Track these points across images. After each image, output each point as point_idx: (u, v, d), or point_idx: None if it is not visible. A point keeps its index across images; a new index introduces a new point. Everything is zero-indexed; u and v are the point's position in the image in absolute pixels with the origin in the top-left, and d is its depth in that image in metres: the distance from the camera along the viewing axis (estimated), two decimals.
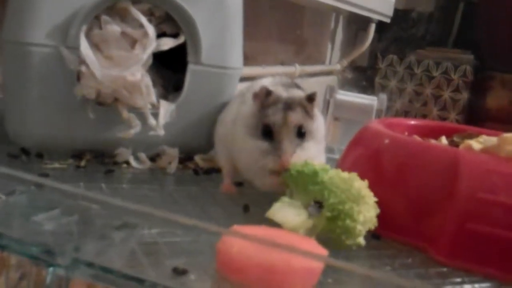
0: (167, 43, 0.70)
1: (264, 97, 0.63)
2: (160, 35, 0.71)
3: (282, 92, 0.65)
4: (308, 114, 0.64)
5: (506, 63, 1.80)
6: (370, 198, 0.55)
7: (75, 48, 0.65)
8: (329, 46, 1.72)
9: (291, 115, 0.62)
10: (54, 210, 0.52)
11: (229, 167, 0.71)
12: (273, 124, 0.62)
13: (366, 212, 0.54)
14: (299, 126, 0.62)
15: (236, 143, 0.66)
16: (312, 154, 0.63)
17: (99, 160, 0.72)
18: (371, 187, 0.57)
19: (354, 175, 0.56)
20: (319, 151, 0.67)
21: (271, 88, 0.64)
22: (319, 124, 0.66)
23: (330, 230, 0.54)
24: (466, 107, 1.79)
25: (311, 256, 0.45)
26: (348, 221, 0.53)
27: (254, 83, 0.72)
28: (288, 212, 0.54)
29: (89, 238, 0.49)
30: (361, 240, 0.54)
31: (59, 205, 0.53)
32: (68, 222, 0.51)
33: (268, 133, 0.62)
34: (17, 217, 0.52)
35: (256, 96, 0.64)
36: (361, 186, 0.55)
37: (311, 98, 0.65)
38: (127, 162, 0.73)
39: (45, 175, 0.63)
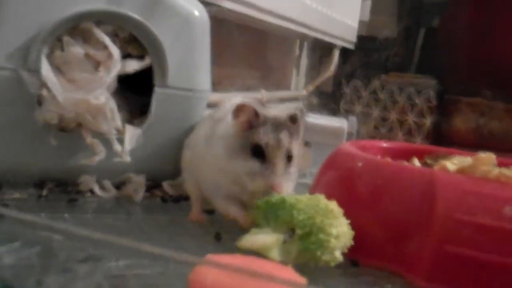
0: (133, 65, 0.68)
1: (253, 117, 0.60)
2: (125, 57, 0.69)
3: (265, 112, 0.62)
4: (293, 136, 0.62)
5: (468, 87, 1.83)
6: (340, 214, 0.55)
7: (36, 71, 0.63)
8: (294, 72, 1.73)
9: (283, 138, 0.60)
10: (14, 243, 0.49)
11: (198, 194, 0.68)
12: (266, 144, 0.59)
13: (338, 227, 0.54)
14: (288, 150, 0.60)
15: (208, 166, 0.63)
16: (294, 182, 0.62)
17: (62, 189, 0.70)
18: (347, 211, 0.56)
19: (320, 195, 0.56)
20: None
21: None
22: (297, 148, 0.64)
23: (305, 249, 0.53)
24: (430, 131, 1.81)
25: (289, 285, 0.43)
26: (321, 235, 0.52)
27: (223, 105, 0.70)
28: (259, 237, 0.53)
29: (52, 271, 0.47)
30: (338, 255, 0.53)
31: (20, 237, 0.50)
32: (29, 255, 0.48)
33: (258, 153, 0.59)
34: None
35: (238, 114, 0.61)
36: (328, 202, 0.55)
37: (294, 119, 0.62)
38: (91, 191, 0.70)
39: (5, 206, 0.60)
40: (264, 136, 0.59)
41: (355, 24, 1.76)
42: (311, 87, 1.75)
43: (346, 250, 0.55)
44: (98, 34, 0.66)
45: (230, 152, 0.60)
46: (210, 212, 0.69)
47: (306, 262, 0.53)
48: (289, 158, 0.60)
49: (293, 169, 0.61)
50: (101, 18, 0.67)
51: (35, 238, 0.51)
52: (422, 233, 0.56)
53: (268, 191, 0.57)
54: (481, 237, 0.54)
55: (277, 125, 0.60)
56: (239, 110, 0.60)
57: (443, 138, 1.80)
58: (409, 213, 0.58)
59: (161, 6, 0.70)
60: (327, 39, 1.58)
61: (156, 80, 0.71)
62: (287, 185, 0.59)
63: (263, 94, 1.41)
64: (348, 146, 0.71)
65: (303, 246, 0.53)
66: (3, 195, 0.64)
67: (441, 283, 0.54)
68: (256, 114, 0.60)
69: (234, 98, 0.71)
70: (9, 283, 0.42)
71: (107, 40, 0.66)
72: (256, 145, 0.59)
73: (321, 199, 0.56)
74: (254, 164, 0.58)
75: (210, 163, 0.63)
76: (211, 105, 0.77)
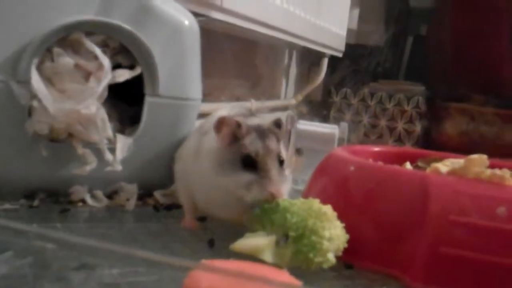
0: (123, 75, 0.68)
1: (236, 128, 0.59)
2: (115, 67, 0.69)
3: (248, 121, 0.62)
4: (279, 141, 0.61)
5: (457, 93, 1.84)
6: (333, 217, 0.55)
7: (26, 82, 0.63)
8: (284, 81, 1.73)
9: (271, 143, 0.59)
10: (6, 253, 0.49)
11: (190, 202, 0.67)
12: (256, 153, 0.58)
13: (331, 229, 0.54)
14: (278, 154, 0.59)
15: (200, 180, 0.63)
16: (289, 184, 0.61)
17: (53, 199, 0.69)
18: (341, 215, 0.57)
19: (314, 199, 0.56)
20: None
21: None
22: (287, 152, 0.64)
23: (298, 251, 0.53)
24: (420, 137, 1.81)
25: (285, 287, 0.43)
26: (313, 237, 0.53)
27: (210, 117, 0.70)
28: (251, 240, 0.54)
29: (45, 281, 0.46)
30: (331, 257, 0.53)
31: (12, 247, 0.49)
32: (22, 265, 0.48)
33: (249, 164, 0.58)
34: None
35: (219, 128, 0.60)
36: (321, 205, 0.55)
37: (278, 124, 0.62)
38: (83, 201, 0.70)
39: None
40: (252, 146, 0.58)
41: (343, 33, 1.76)
42: (300, 96, 1.75)
43: (340, 253, 0.55)
44: (88, 45, 0.66)
45: (218, 167, 0.59)
46: (203, 219, 0.68)
47: (299, 264, 0.53)
48: (281, 162, 0.59)
49: (287, 171, 0.61)
50: (91, 29, 0.67)
51: (28, 248, 0.50)
52: (416, 235, 0.56)
53: (268, 199, 0.56)
54: (475, 238, 0.54)
55: (262, 132, 0.60)
56: (221, 123, 0.59)
57: (433, 143, 1.81)
58: (402, 216, 0.58)
59: (151, 15, 0.70)
60: (315, 48, 1.59)
61: (147, 89, 0.71)
62: (284, 190, 0.59)
63: (252, 104, 1.42)
64: (340, 151, 0.71)
65: (296, 249, 0.53)
66: None
67: (436, 284, 0.54)
68: (239, 125, 0.59)
69: (221, 111, 0.70)
70: None
71: (97, 51, 0.66)
72: (246, 156, 0.58)
73: (314, 202, 0.56)
74: (247, 176, 0.57)
75: (199, 176, 0.63)
76: (202, 116, 0.76)
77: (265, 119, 0.65)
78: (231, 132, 0.59)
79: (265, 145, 0.58)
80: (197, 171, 0.63)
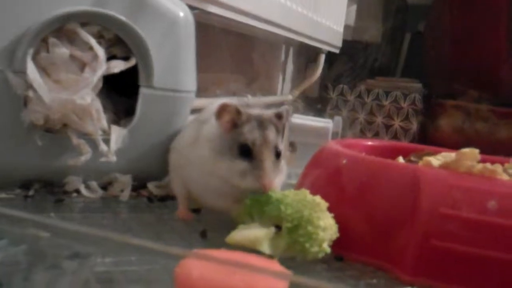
0: (118, 66, 0.68)
1: (236, 115, 0.60)
2: (110, 58, 0.69)
3: (248, 110, 0.62)
4: (279, 132, 0.62)
5: (453, 90, 1.84)
6: (325, 206, 0.56)
7: (22, 72, 0.63)
8: (280, 77, 1.73)
9: (269, 134, 0.60)
10: (1, 241, 0.49)
11: (184, 194, 0.68)
12: (252, 143, 0.58)
13: (325, 219, 0.55)
14: (275, 146, 0.60)
15: (197, 168, 0.63)
16: (283, 175, 0.62)
17: (48, 189, 0.69)
18: (332, 207, 0.57)
19: (305, 190, 0.57)
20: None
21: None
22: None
23: (294, 241, 0.53)
24: (416, 134, 1.82)
25: (274, 275, 0.43)
26: (309, 228, 0.53)
27: (210, 106, 0.70)
28: (248, 232, 0.54)
29: (39, 268, 0.47)
30: (326, 247, 0.54)
31: (6, 235, 0.50)
32: (16, 252, 0.48)
33: (245, 152, 0.59)
34: None
35: (220, 115, 0.60)
36: (314, 196, 0.56)
37: (279, 115, 0.62)
38: (78, 191, 0.70)
39: None
40: (250, 134, 0.59)
41: (340, 29, 1.77)
42: (297, 92, 1.75)
43: (331, 243, 0.55)
44: (83, 35, 0.66)
45: (216, 153, 0.60)
46: (196, 210, 0.69)
47: (295, 255, 0.54)
48: (277, 154, 0.60)
49: (282, 163, 0.61)
50: (86, 19, 0.67)
51: (22, 237, 0.51)
52: (407, 228, 0.56)
53: (260, 189, 0.57)
54: (466, 231, 0.54)
55: (262, 122, 0.60)
56: (221, 110, 0.60)
57: (429, 141, 1.81)
58: (394, 209, 0.58)
59: (146, 7, 0.70)
60: (312, 43, 1.59)
61: (142, 81, 0.71)
62: (278, 182, 0.60)
63: (249, 99, 1.42)
64: (333, 144, 0.72)
65: (291, 239, 0.54)
66: None
67: (426, 277, 0.55)
68: (239, 112, 0.60)
69: (220, 100, 0.71)
70: None
71: (92, 41, 0.66)
72: (242, 144, 0.59)
73: (307, 193, 0.57)
74: (242, 164, 0.58)
75: (197, 164, 0.63)
76: (197, 111, 0.77)
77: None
78: (232, 119, 0.60)
79: (263, 135, 0.59)
80: (195, 159, 0.63)
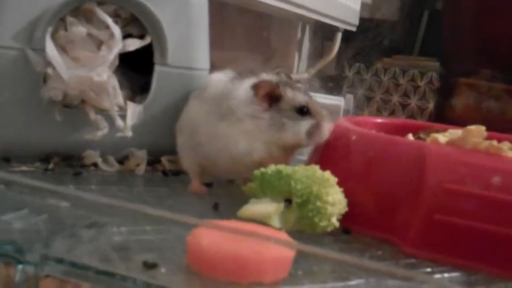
0: (133, 44, 0.70)
1: (275, 88, 0.64)
2: (126, 36, 0.70)
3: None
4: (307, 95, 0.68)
5: (471, 69, 1.83)
6: (334, 182, 0.58)
7: (41, 50, 0.65)
8: (296, 55, 1.73)
9: (306, 93, 0.67)
10: (22, 210, 0.51)
11: (197, 169, 0.70)
12: (307, 102, 0.65)
13: (334, 194, 0.56)
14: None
15: (225, 141, 0.66)
16: None
17: (67, 163, 0.71)
18: (342, 182, 0.58)
19: (315, 166, 0.59)
20: None
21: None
22: None
23: (303, 216, 0.55)
24: (433, 114, 1.81)
25: (281, 244, 0.45)
26: (318, 203, 0.55)
27: (208, 86, 0.71)
28: (259, 206, 0.56)
29: (58, 236, 0.48)
30: (334, 221, 0.56)
31: (27, 205, 0.52)
32: (36, 221, 0.50)
33: (304, 113, 0.65)
34: None
35: (260, 91, 0.64)
36: (323, 172, 0.58)
37: (290, 77, 0.69)
38: (95, 165, 0.72)
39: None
40: (302, 97, 0.65)
41: (357, 7, 1.75)
42: (313, 71, 1.75)
43: (340, 217, 0.57)
44: (100, 14, 0.68)
45: (269, 126, 0.64)
46: (209, 184, 0.71)
47: (304, 229, 0.56)
48: None
49: None
50: None
51: (42, 207, 0.53)
52: (412, 203, 0.57)
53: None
54: (470, 206, 0.55)
55: (292, 86, 0.67)
56: (259, 87, 0.64)
57: (445, 120, 1.81)
58: (400, 184, 0.59)
59: None
60: (329, 21, 1.58)
61: (156, 59, 0.73)
62: None
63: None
64: (343, 122, 0.73)
65: (301, 214, 0.55)
66: (12, 168, 0.66)
67: (430, 251, 0.56)
68: (276, 85, 0.64)
69: (215, 75, 0.72)
70: (18, 245, 0.44)
71: (109, 20, 0.68)
72: (300, 106, 0.65)
73: (316, 169, 0.58)
74: (307, 123, 0.65)
75: (230, 141, 0.65)
76: None
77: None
78: (268, 92, 0.64)
79: (308, 95, 0.67)
80: (226, 136, 0.65)
